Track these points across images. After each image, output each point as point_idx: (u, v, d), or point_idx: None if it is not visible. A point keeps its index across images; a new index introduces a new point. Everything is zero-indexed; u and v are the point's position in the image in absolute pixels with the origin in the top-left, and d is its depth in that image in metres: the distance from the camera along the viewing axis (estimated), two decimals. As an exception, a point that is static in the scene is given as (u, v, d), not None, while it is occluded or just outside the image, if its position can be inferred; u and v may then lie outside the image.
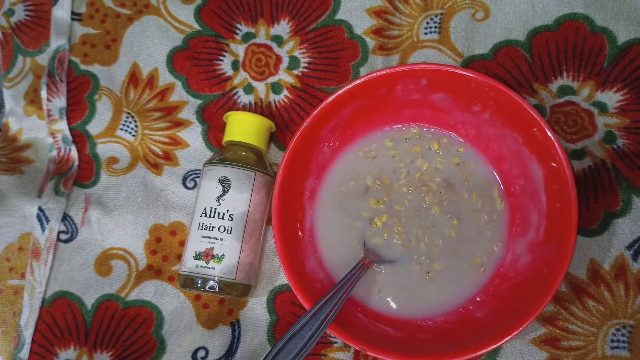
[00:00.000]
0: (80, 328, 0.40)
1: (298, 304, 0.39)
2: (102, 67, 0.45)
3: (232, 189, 0.38)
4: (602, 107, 0.39)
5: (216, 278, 0.37)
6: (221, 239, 0.37)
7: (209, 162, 0.39)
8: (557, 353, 0.36)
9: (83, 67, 0.45)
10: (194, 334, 0.39)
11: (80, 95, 0.45)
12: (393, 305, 0.37)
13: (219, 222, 0.37)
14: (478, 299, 0.36)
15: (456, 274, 0.37)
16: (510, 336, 0.32)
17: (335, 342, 0.38)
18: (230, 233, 0.37)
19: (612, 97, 0.39)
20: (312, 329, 0.33)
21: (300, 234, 0.37)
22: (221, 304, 0.39)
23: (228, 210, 0.37)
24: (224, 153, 0.40)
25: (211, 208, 0.38)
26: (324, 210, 0.39)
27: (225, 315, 0.39)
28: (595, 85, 0.39)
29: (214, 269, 0.37)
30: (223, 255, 0.37)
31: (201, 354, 0.39)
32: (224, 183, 0.38)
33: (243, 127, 0.40)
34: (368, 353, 0.33)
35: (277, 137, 0.42)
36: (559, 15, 0.40)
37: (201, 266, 0.37)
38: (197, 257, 0.37)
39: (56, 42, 0.46)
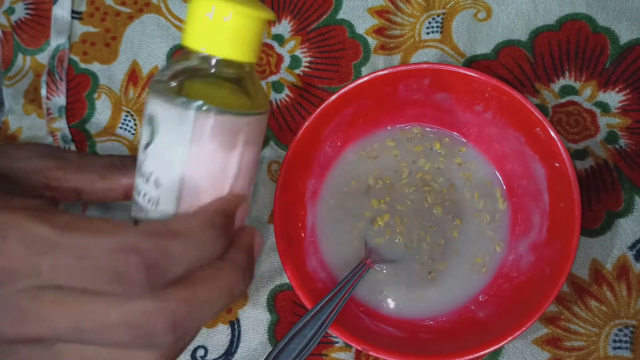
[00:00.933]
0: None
1: (299, 304, 0.39)
2: (102, 66, 0.45)
3: (160, 134, 0.25)
4: (605, 107, 0.39)
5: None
6: (146, 214, 0.26)
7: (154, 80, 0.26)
8: (559, 353, 0.35)
9: (83, 65, 0.45)
10: (194, 334, 0.39)
11: (79, 93, 0.44)
12: (395, 305, 0.36)
13: (144, 186, 0.26)
14: (480, 299, 0.36)
15: (458, 274, 0.36)
16: (513, 336, 0.31)
17: (337, 342, 0.38)
18: (156, 206, 0.25)
19: (614, 97, 0.39)
20: (314, 328, 0.32)
21: (302, 233, 0.37)
22: (221, 303, 0.39)
23: (152, 173, 0.25)
24: (173, 65, 0.26)
25: (140, 162, 0.26)
26: (325, 209, 0.38)
27: (225, 314, 0.39)
28: (598, 86, 0.39)
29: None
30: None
31: (200, 353, 0.38)
32: (152, 123, 0.25)
33: (216, 25, 0.24)
34: (370, 353, 0.33)
35: (278, 137, 0.42)
36: (561, 15, 0.40)
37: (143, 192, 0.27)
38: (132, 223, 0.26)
39: (56, 40, 0.45)
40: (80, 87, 0.45)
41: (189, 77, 0.25)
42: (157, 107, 0.25)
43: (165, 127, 0.24)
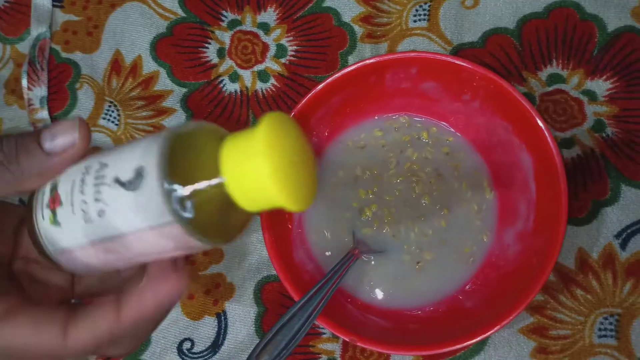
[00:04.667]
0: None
1: (286, 295, 0.38)
2: (84, 55, 0.44)
3: (135, 194, 0.23)
4: (592, 96, 0.38)
5: (38, 229, 0.26)
6: (73, 212, 0.25)
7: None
8: (545, 342, 0.36)
9: (64, 54, 0.44)
10: (179, 326, 0.38)
11: (61, 83, 0.44)
12: (383, 295, 0.36)
13: (89, 196, 0.24)
14: (468, 289, 0.36)
15: (446, 264, 0.36)
16: (500, 326, 0.31)
17: (324, 333, 0.38)
18: (85, 223, 0.24)
19: (601, 86, 0.38)
20: (301, 320, 0.32)
21: (289, 225, 0.37)
22: (207, 294, 0.39)
23: (107, 205, 0.24)
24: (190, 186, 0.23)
25: (103, 176, 0.24)
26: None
27: (211, 306, 0.39)
28: (585, 74, 0.39)
29: (43, 220, 0.26)
30: (58, 223, 0.25)
31: (187, 345, 0.38)
32: (137, 176, 0.23)
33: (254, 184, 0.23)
34: (357, 344, 0.32)
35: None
36: (549, 3, 0.40)
37: (43, 203, 0.26)
38: (52, 187, 0.25)
39: (37, 29, 0.44)
40: (62, 77, 0.44)
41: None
42: (151, 171, 0.23)
43: (147, 197, 0.23)
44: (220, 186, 0.23)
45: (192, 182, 0.24)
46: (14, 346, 0.24)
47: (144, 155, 0.24)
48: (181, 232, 0.24)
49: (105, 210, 0.24)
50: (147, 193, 0.23)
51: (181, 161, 0.24)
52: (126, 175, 0.24)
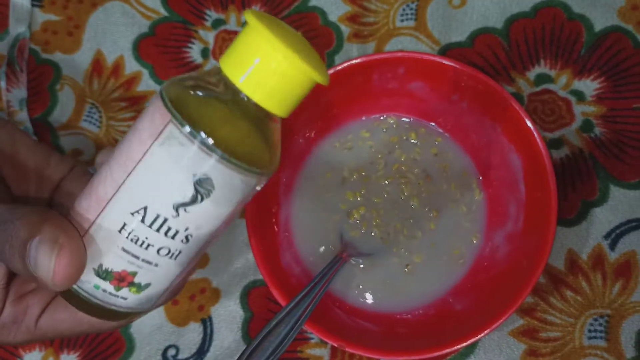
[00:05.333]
0: (45, 329, 0.38)
1: (273, 300, 0.38)
2: (64, 56, 0.43)
3: (211, 200, 0.23)
4: (580, 96, 0.38)
5: (123, 309, 0.25)
6: (156, 265, 0.24)
7: (180, 119, 0.22)
8: (536, 344, 0.35)
9: (44, 55, 0.43)
10: (164, 332, 0.38)
11: (41, 85, 0.43)
12: (372, 299, 0.36)
13: (163, 240, 0.23)
14: (457, 291, 0.36)
15: (435, 267, 0.36)
16: (490, 329, 0.31)
17: (312, 339, 0.37)
18: (175, 259, 0.24)
19: (589, 85, 0.38)
20: (289, 325, 0.32)
21: (275, 228, 0.36)
22: (191, 299, 0.38)
23: (187, 229, 0.23)
24: (219, 114, 0.23)
25: (158, 215, 0.23)
26: (299, 203, 0.38)
27: (196, 312, 0.38)
28: (573, 73, 0.39)
29: (125, 299, 0.24)
30: (148, 285, 0.24)
31: (172, 352, 0.37)
32: (201, 186, 0.23)
33: (276, 77, 0.22)
34: (346, 349, 0.32)
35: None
36: (537, 2, 0.40)
37: (105, 291, 0.24)
38: (104, 274, 0.24)
39: (16, 29, 0.43)
40: (42, 79, 0.43)
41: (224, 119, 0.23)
42: (218, 173, 0.22)
43: (221, 193, 0.23)
44: (243, 105, 0.23)
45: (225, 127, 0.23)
46: None
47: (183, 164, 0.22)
48: (258, 186, 0.24)
49: (189, 233, 0.24)
50: (221, 186, 0.23)
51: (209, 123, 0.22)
52: (183, 195, 0.23)
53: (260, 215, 0.35)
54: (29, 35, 0.43)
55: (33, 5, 0.44)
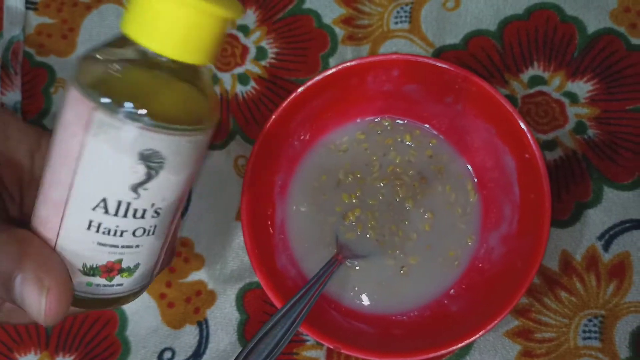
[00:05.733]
0: (40, 331, 0.38)
1: (269, 302, 0.38)
2: (59, 59, 0.43)
3: (165, 170, 0.22)
4: (573, 98, 0.39)
5: (124, 293, 0.25)
6: (137, 246, 0.24)
7: (102, 91, 0.21)
8: (531, 345, 0.35)
9: (39, 58, 0.43)
10: (160, 335, 0.38)
11: (35, 88, 0.42)
12: (367, 301, 0.36)
13: (135, 222, 0.23)
14: (452, 293, 0.36)
15: (431, 268, 0.36)
16: (485, 330, 0.31)
17: (308, 340, 0.37)
18: (153, 233, 0.24)
19: (582, 87, 0.39)
20: (284, 327, 0.32)
21: (270, 230, 0.36)
22: (187, 302, 0.38)
23: (154, 205, 0.23)
24: (129, 84, 0.21)
25: (119, 202, 0.22)
26: (295, 205, 0.38)
27: (192, 314, 0.38)
28: (566, 75, 0.39)
29: (121, 285, 0.25)
30: (137, 266, 0.25)
31: (167, 355, 0.37)
32: (151, 161, 0.22)
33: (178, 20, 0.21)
34: (342, 351, 0.32)
35: (244, 130, 0.41)
36: (530, 5, 0.40)
37: (99, 285, 0.24)
38: (91, 272, 0.24)
39: (10, 32, 0.43)
40: (37, 82, 0.43)
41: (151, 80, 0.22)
42: (162, 143, 0.22)
43: (173, 161, 0.22)
44: (157, 64, 0.21)
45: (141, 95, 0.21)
46: None
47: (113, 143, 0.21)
48: (205, 142, 0.23)
49: (156, 208, 0.23)
50: (171, 155, 0.22)
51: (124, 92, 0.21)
52: (136, 176, 0.22)
53: (255, 218, 0.35)
54: (23, 38, 0.43)
55: (27, 8, 0.44)
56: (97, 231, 0.23)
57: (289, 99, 0.35)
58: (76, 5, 0.44)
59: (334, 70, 0.35)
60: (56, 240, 0.24)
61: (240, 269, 0.38)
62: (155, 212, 0.23)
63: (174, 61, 0.21)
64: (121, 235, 0.23)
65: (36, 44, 0.43)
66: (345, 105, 0.38)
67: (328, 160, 0.38)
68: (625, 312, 0.35)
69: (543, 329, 0.36)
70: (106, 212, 0.22)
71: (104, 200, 0.22)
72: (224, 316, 0.38)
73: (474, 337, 0.31)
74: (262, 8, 0.42)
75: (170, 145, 0.22)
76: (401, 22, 0.41)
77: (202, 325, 0.38)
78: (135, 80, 0.22)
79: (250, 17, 0.42)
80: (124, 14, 0.22)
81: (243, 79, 0.41)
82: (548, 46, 0.39)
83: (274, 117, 0.35)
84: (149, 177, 0.22)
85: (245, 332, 0.37)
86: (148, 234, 0.24)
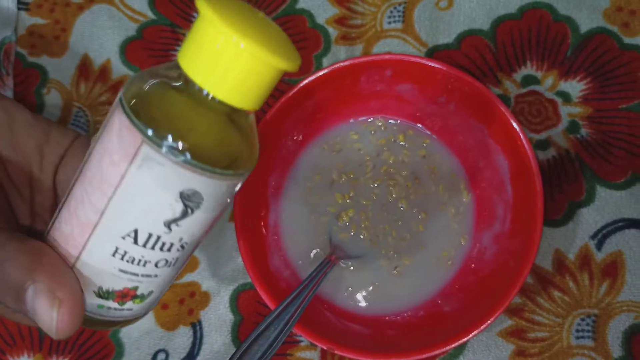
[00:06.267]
0: (33, 334, 0.38)
1: (263, 303, 0.38)
2: (51, 59, 0.43)
3: (201, 210, 0.23)
4: (566, 97, 0.39)
5: (131, 318, 0.26)
6: (155, 275, 0.24)
7: (151, 137, 0.21)
8: (524, 345, 0.35)
9: (31, 59, 0.43)
10: (153, 336, 0.38)
11: (28, 89, 0.42)
12: (361, 301, 0.36)
13: (160, 255, 0.23)
14: (446, 293, 0.36)
15: (424, 268, 0.36)
16: (478, 330, 0.31)
17: (302, 341, 0.37)
18: (174, 265, 0.25)
19: (575, 87, 0.39)
20: (278, 329, 0.32)
21: (264, 231, 0.36)
22: (181, 303, 0.38)
23: (182, 239, 0.23)
24: (181, 121, 0.21)
25: (150, 235, 0.23)
26: (289, 206, 0.38)
27: (186, 316, 0.38)
28: (559, 75, 0.39)
29: (131, 310, 0.25)
30: (150, 293, 0.25)
31: (161, 356, 0.37)
32: (189, 200, 0.22)
33: (239, 67, 0.20)
34: (336, 352, 0.32)
35: (238, 131, 0.41)
36: (523, 4, 0.40)
37: (110, 308, 0.25)
38: (105, 295, 0.24)
39: (2, 33, 0.43)
40: (29, 82, 0.42)
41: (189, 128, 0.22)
42: (203, 185, 0.22)
43: (210, 202, 0.23)
44: (208, 104, 0.21)
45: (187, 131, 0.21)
46: None
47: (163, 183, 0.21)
48: (236, 185, 0.23)
49: (183, 242, 0.24)
50: (209, 197, 0.22)
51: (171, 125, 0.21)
52: (172, 212, 0.22)
53: (248, 219, 0.35)
54: (15, 39, 0.43)
55: (19, 9, 0.44)
56: (122, 259, 0.23)
57: (281, 100, 0.35)
58: (68, 6, 0.43)
59: (327, 70, 0.35)
60: (77, 259, 0.24)
61: (234, 270, 0.38)
62: (182, 246, 0.24)
63: (226, 104, 0.21)
64: (144, 265, 0.24)
65: (28, 45, 0.43)
66: (338, 105, 0.38)
67: (321, 161, 0.38)
68: (618, 311, 0.35)
69: (536, 329, 0.36)
70: (135, 242, 0.23)
71: (135, 231, 0.22)
72: (217, 317, 0.38)
73: (468, 337, 0.31)
74: (255, 7, 0.42)
75: (211, 187, 0.22)
76: (394, 21, 0.41)
77: (196, 327, 0.38)
78: (187, 119, 0.22)
79: (243, 17, 0.42)
80: (183, 43, 0.22)
81: (236, 79, 0.41)
82: (541, 45, 0.39)
83: (266, 117, 0.35)
84: (184, 215, 0.22)
85: (240, 333, 0.37)
86: (169, 266, 0.24)
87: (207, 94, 0.21)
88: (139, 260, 0.23)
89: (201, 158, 0.21)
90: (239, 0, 0.23)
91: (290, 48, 0.22)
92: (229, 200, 0.24)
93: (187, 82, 0.21)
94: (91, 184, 0.23)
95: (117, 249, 0.23)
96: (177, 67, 0.22)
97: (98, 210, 0.22)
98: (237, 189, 0.24)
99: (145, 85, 0.22)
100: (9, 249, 0.24)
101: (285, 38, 0.23)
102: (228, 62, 0.20)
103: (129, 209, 0.22)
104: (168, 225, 0.22)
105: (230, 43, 0.20)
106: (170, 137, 0.21)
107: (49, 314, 0.23)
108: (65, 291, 0.23)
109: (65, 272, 0.24)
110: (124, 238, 0.23)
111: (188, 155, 0.21)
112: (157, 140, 0.21)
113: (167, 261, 0.24)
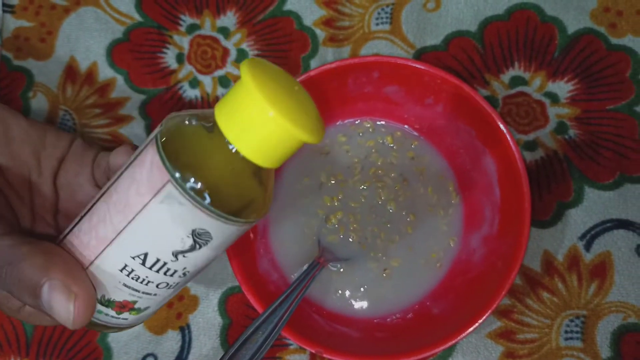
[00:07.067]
0: (20, 339, 0.38)
1: (252, 307, 0.38)
2: (37, 62, 0.42)
3: (208, 247, 0.25)
4: (554, 98, 0.39)
5: (124, 326, 0.29)
6: (155, 294, 0.27)
7: (178, 181, 0.23)
8: (513, 346, 0.35)
9: (16, 62, 0.42)
10: (142, 340, 0.37)
11: (13, 92, 0.42)
12: (350, 304, 0.36)
13: (163, 278, 0.26)
14: (435, 295, 0.36)
15: (413, 270, 0.36)
16: (467, 332, 0.31)
17: (291, 344, 0.37)
18: (173, 288, 0.27)
19: (563, 87, 0.39)
20: (266, 332, 0.32)
21: (251, 234, 0.36)
22: (169, 307, 0.38)
23: (185, 268, 0.26)
24: (206, 169, 0.23)
25: (157, 260, 0.25)
26: (277, 208, 0.37)
27: (174, 320, 0.38)
28: (547, 76, 0.39)
29: (126, 319, 0.28)
30: (147, 308, 0.28)
31: (151, 361, 0.37)
32: (199, 237, 0.24)
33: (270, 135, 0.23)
34: (324, 355, 0.32)
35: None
36: (510, 5, 0.40)
37: (107, 315, 0.27)
38: (106, 303, 0.27)
39: (-13, 35, 0.43)
40: (14, 86, 0.42)
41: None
42: (215, 227, 0.24)
43: (218, 241, 0.25)
44: (236, 158, 0.23)
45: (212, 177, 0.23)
46: None
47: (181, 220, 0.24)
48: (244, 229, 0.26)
49: (186, 271, 0.26)
50: (217, 236, 0.24)
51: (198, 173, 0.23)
52: (182, 245, 0.25)
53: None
54: (0, 42, 0.43)
55: (4, 12, 0.43)
56: (128, 275, 0.26)
57: (268, 102, 0.34)
58: (54, 9, 0.43)
59: (314, 72, 0.35)
60: (89, 266, 0.26)
61: (222, 274, 0.38)
62: (184, 273, 0.26)
63: (251, 162, 0.23)
64: (147, 284, 0.26)
65: (14, 48, 0.43)
66: (326, 107, 0.37)
67: (310, 163, 0.38)
68: (606, 312, 0.35)
69: (525, 330, 0.36)
70: (143, 264, 0.25)
71: (145, 254, 0.25)
72: (206, 321, 0.37)
73: (457, 339, 0.31)
74: (242, 10, 0.42)
75: (221, 230, 0.25)
76: (382, 23, 0.41)
77: (185, 331, 0.37)
78: (213, 168, 0.24)
79: (230, 19, 0.42)
80: (221, 99, 0.24)
81: (224, 81, 0.41)
82: (528, 46, 0.39)
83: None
84: (192, 249, 0.25)
85: (228, 336, 0.37)
86: (169, 288, 0.27)
87: (236, 150, 0.23)
88: (143, 280, 0.26)
89: (220, 206, 0.24)
90: (280, 69, 0.25)
91: (317, 120, 0.24)
92: (234, 240, 0.26)
93: (220, 134, 0.23)
94: (115, 206, 0.25)
95: (125, 265, 0.25)
96: (213, 116, 0.24)
97: (117, 230, 0.25)
98: (244, 231, 0.26)
99: (181, 128, 0.24)
100: (24, 250, 0.26)
101: (313, 109, 0.25)
102: (258, 127, 0.22)
103: (144, 234, 0.24)
104: (176, 255, 0.25)
105: (262, 112, 0.22)
106: (194, 182, 0.23)
107: (66, 307, 0.25)
108: (79, 286, 0.25)
109: (78, 269, 0.26)
110: (134, 258, 0.25)
111: (208, 201, 0.23)
112: (182, 183, 0.23)
113: (168, 284, 0.27)
